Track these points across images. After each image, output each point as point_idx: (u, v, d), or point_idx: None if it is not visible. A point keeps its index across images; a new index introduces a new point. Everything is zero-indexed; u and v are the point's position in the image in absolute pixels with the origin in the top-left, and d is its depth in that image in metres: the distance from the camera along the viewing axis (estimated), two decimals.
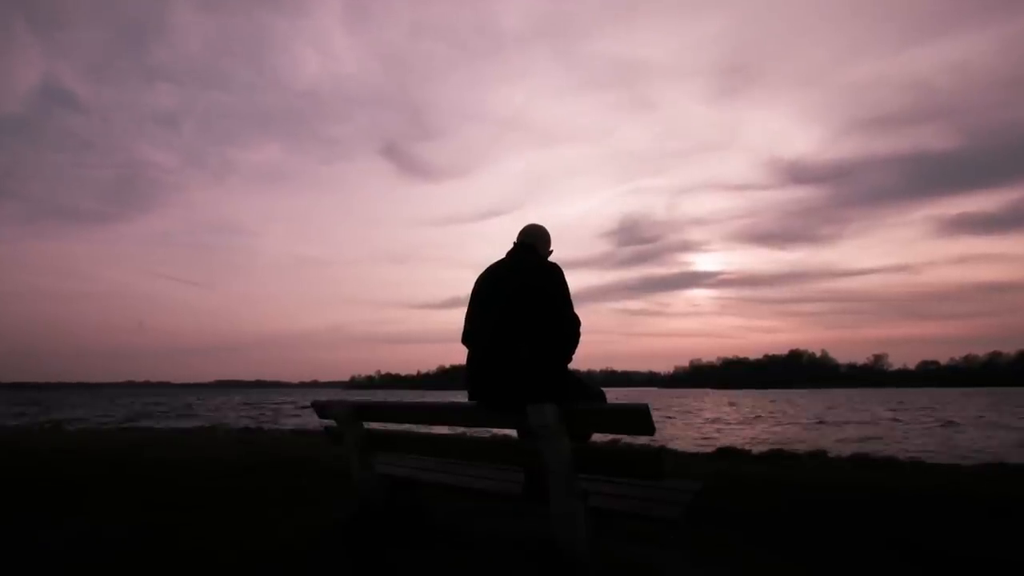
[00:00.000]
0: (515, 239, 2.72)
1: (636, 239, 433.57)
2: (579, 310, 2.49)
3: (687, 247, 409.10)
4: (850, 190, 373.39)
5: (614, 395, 2.59)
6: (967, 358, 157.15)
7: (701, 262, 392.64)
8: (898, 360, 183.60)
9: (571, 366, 2.49)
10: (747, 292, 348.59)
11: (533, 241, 2.68)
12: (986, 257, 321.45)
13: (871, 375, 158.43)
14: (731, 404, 39.87)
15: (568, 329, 2.42)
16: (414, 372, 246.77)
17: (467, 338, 2.60)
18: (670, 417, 23.71)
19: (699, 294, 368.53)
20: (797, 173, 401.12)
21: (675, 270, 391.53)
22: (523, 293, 2.41)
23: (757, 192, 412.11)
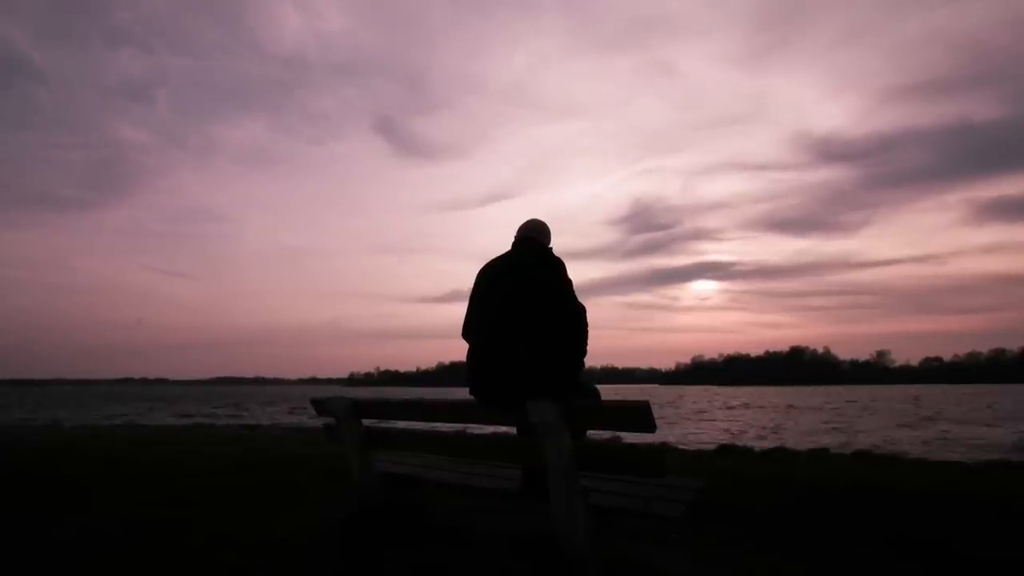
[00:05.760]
0: (516, 234, 2.71)
1: (648, 226, 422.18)
2: (583, 303, 2.47)
3: (701, 235, 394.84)
4: (882, 170, 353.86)
5: (612, 392, 2.58)
6: (971, 355, 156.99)
7: (714, 252, 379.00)
8: (903, 357, 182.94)
9: None
10: (760, 285, 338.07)
11: (534, 235, 2.68)
12: (1017, 246, 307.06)
13: (873, 372, 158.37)
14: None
15: (576, 323, 2.41)
16: (413, 368, 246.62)
17: (467, 332, 2.59)
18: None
19: (709, 287, 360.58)
20: (826, 150, 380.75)
21: (687, 261, 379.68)
22: (525, 288, 2.39)
23: (781, 173, 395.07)
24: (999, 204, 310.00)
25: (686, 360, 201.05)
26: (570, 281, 2.48)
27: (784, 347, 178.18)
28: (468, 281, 2.67)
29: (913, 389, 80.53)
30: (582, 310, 2.44)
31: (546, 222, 2.76)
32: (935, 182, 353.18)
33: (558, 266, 2.51)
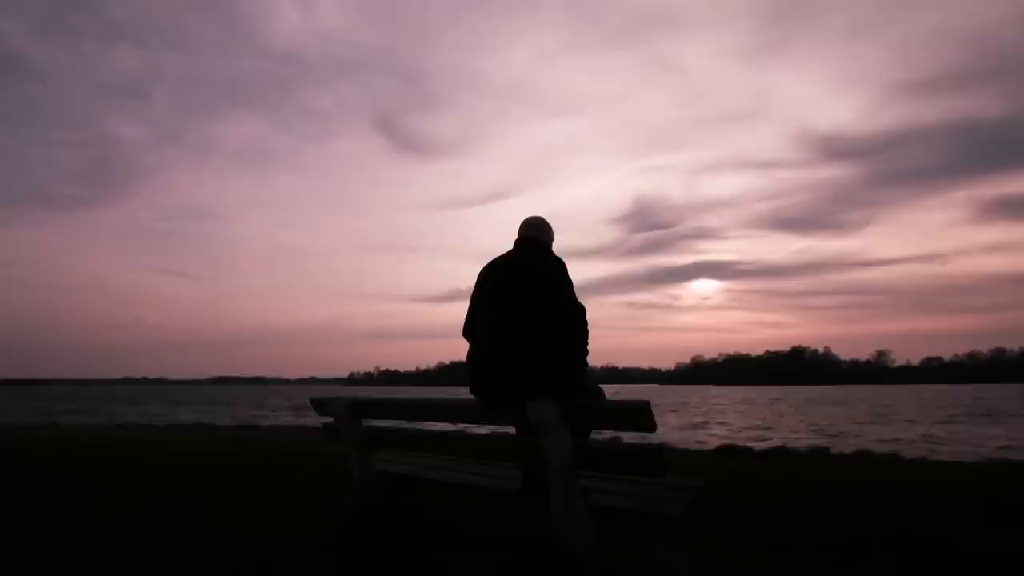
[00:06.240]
0: (518, 233, 2.71)
1: (649, 225, 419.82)
2: (583, 303, 2.47)
3: (703, 234, 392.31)
4: (887, 168, 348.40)
5: (611, 392, 2.58)
6: (971, 354, 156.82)
7: (717, 251, 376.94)
8: (906, 356, 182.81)
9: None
10: (762, 284, 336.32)
11: (536, 234, 2.67)
12: (1023, 245, 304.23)
13: (873, 372, 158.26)
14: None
15: (576, 323, 2.40)
16: (413, 368, 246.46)
17: (467, 331, 2.59)
18: None
19: (711, 286, 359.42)
20: (830, 148, 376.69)
21: (689, 260, 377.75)
22: (527, 287, 2.39)
23: (784, 171, 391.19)
24: (1004, 202, 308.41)
25: (686, 360, 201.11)
26: (570, 282, 2.48)
27: (785, 347, 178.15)
28: (468, 280, 2.68)
29: (910, 389, 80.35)
30: (582, 310, 2.44)
31: (545, 219, 2.76)
32: (940, 180, 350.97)
33: (559, 266, 2.51)
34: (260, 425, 13.73)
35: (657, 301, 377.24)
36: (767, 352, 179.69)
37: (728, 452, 7.40)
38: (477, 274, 2.65)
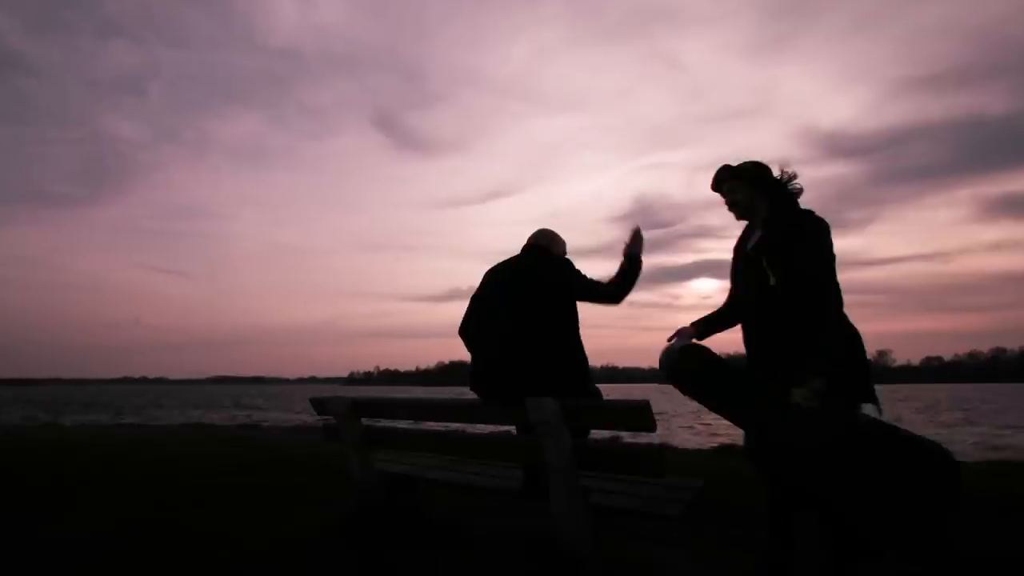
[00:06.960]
0: (527, 240, 2.73)
1: (650, 223, 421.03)
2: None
3: (704, 232, 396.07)
4: (890, 165, 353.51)
5: (607, 392, 2.59)
6: (971, 354, 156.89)
7: (718, 250, 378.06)
8: (907, 356, 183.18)
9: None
10: None
11: (547, 243, 2.69)
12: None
13: (873, 371, 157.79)
14: None
15: (599, 288, 2.45)
16: (413, 368, 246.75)
17: (464, 330, 2.60)
18: None
19: (712, 285, 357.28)
20: (834, 145, 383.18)
21: (689, 259, 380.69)
22: (529, 287, 2.40)
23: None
24: (1009, 200, 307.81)
25: None
26: (579, 272, 2.51)
27: None
28: (467, 280, 2.71)
29: (911, 389, 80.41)
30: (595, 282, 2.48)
31: (558, 233, 2.76)
32: (944, 178, 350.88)
33: (566, 264, 2.53)
34: (260, 425, 13.73)
35: (657, 301, 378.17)
36: None
37: (728, 452, 7.39)
38: (480, 275, 2.67)
